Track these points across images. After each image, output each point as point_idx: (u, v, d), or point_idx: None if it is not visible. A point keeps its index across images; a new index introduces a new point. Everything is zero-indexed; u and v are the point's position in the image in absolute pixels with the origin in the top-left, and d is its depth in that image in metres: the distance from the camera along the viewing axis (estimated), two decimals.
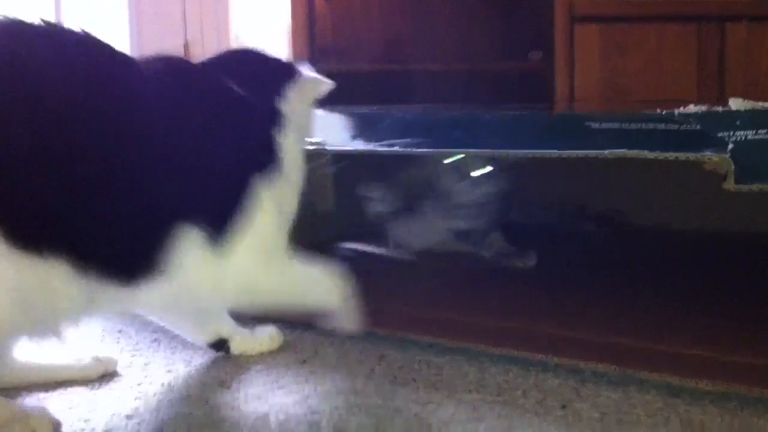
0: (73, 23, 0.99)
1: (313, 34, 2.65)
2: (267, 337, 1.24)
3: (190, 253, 0.98)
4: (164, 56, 1.08)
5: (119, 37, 2.72)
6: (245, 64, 1.19)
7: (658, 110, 1.12)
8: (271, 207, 1.08)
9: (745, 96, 2.29)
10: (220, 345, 1.20)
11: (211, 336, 1.20)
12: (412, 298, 1.47)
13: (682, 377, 1.04)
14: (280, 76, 1.19)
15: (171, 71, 1.07)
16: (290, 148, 1.14)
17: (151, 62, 1.05)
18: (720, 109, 1.10)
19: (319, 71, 2.55)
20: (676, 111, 1.10)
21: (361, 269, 1.70)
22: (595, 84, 2.53)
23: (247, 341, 1.21)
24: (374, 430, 0.94)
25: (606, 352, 1.15)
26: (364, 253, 1.90)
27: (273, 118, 1.13)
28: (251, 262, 1.05)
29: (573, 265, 1.74)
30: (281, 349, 1.24)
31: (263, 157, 1.09)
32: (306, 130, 1.24)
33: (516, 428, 0.94)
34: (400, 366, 1.15)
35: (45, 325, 0.93)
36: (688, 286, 1.55)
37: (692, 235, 1.96)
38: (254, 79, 1.14)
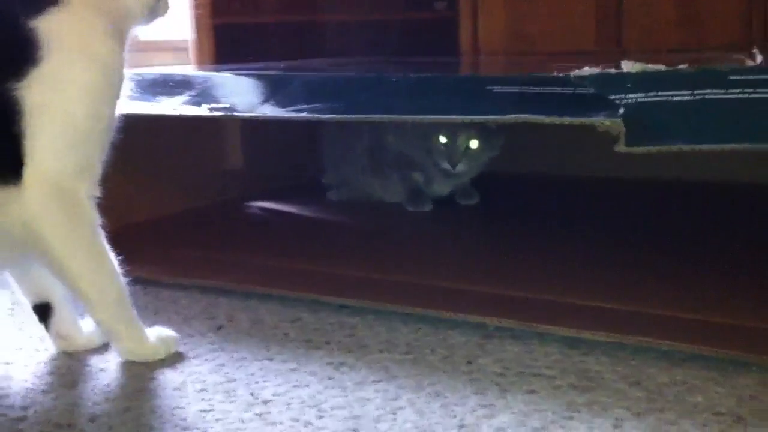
0: None
1: None
2: (162, 343, 1.12)
3: None
4: None
5: None
6: None
7: (555, 72, 1.16)
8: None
9: (641, 40, 2.39)
10: (43, 310, 1.14)
11: (34, 298, 1.15)
12: (320, 257, 1.51)
13: (579, 329, 1.10)
14: None
15: None
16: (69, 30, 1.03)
17: None
18: (613, 71, 1.15)
19: (223, 23, 2.52)
20: (572, 74, 1.14)
21: (269, 228, 1.74)
22: (499, 32, 2.58)
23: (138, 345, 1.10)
24: (289, 395, 0.97)
25: (507, 307, 1.20)
26: (275, 212, 1.93)
27: (33, 3, 1.02)
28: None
29: (474, 218, 1.81)
30: (197, 314, 1.26)
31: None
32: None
33: (425, 386, 0.99)
34: (314, 329, 1.19)
35: None
36: (584, 236, 1.63)
37: (583, 182, 2.04)
38: None
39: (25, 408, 0.96)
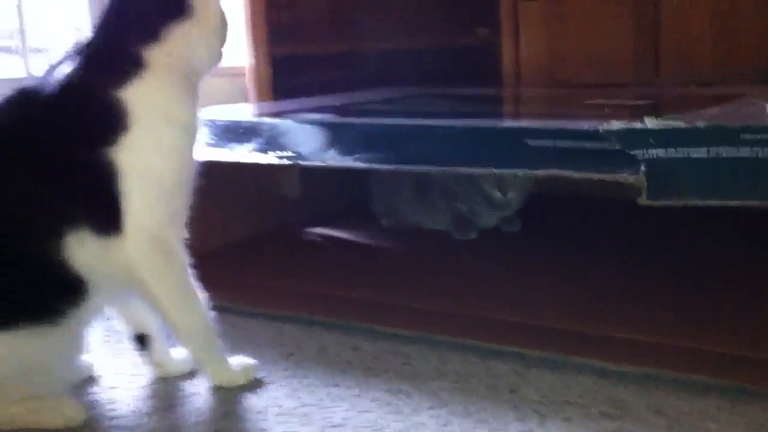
0: None
1: (272, 18, 2.75)
2: (243, 370, 1.27)
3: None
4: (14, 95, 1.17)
5: None
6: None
7: (586, 126, 1.29)
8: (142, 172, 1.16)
9: (677, 58, 2.49)
10: (141, 340, 1.30)
11: (134, 329, 1.30)
12: (374, 286, 1.66)
13: (609, 361, 1.25)
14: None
15: (14, 110, 1.16)
16: (151, 98, 1.18)
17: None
18: (638, 125, 1.28)
19: (280, 53, 2.67)
20: (601, 128, 1.28)
21: (326, 255, 1.89)
22: (540, 58, 2.71)
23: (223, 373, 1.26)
24: (355, 420, 1.13)
25: (546, 338, 1.34)
26: (331, 239, 2.09)
27: (119, 75, 1.17)
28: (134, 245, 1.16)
29: (517, 245, 1.95)
30: (268, 341, 1.42)
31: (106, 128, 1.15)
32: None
33: (472, 412, 1.14)
34: (373, 357, 1.34)
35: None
36: (621, 262, 1.77)
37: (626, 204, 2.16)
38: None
39: (132, 428, 1.14)
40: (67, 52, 1.21)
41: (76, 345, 1.20)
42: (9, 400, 1.12)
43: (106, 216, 1.16)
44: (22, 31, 2.17)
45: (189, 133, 1.23)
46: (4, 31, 2.33)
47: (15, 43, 2.20)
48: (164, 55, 1.19)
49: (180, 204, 1.22)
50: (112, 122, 1.15)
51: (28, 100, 1.16)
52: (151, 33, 1.19)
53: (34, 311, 1.11)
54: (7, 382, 1.11)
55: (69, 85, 1.15)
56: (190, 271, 1.23)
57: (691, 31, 2.50)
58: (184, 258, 1.22)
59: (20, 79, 2.11)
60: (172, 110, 1.20)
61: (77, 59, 1.18)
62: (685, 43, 2.51)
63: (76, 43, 1.21)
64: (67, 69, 1.17)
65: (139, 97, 1.16)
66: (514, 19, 2.73)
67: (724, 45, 2.45)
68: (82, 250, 1.12)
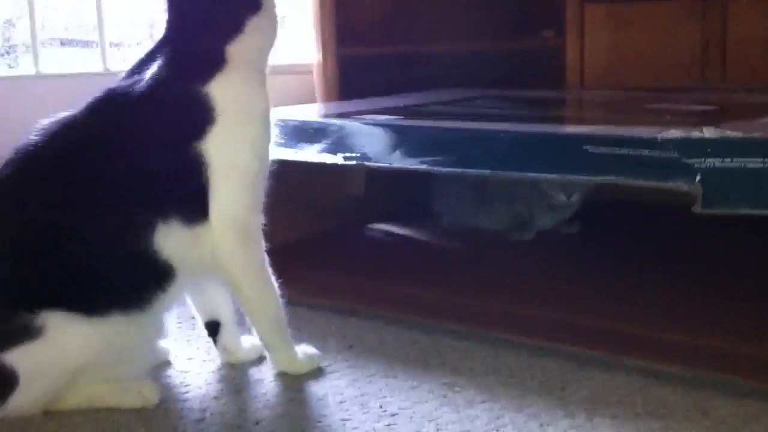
0: None
1: (340, 18, 2.83)
2: (308, 359, 1.35)
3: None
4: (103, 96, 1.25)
5: None
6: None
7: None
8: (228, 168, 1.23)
9: (743, 63, 2.48)
10: (213, 327, 1.38)
11: (206, 316, 1.39)
12: (433, 284, 1.72)
13: (658, 362, 1.28)
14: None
15: (103, 109, 1.23)
16: (234, 91, 1.25)
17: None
18: (696, 135, 1.31)
19: (343, 54, 2.73)
20: (659, 137, 1.31)
21: (388, 251, 1.95)
22: (604, 60, 2.73)
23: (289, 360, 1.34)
24: (411, 410, 1.19)
25: (597, 338, 1.39)
26: (394, 236, 2.15)
27: (203, 71, 1.24)
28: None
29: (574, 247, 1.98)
30: (331, 333, 1.50)
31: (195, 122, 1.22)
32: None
33: (524, 407, 1.19)
34: (430, 351, 1.40)
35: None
36: (675, 265, 1.79)
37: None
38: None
39: (203, 411, 1.22)
40: (149, 49, 1.29)
41: (158, 331, 1.29)
42: (93, 381, 1.21)
43: (194, 206, 1.23)
44: (100, 26, 2.27)
45: (267, 124, 1.30)
46: (83, 25, 2.44)
47: (94, 37, 2.31)
48: (243, 48, 1.26)
49: (260, 191, 1.29)
50: (199, 117, 1.22)
51: (118, 100, 1.23)
52: (234, 27, 1.26)
53: (126, 299, 1.20)
54: (97, 365, 1.19)
55: (156, 84, 1.22)
56: (267, 258, 1.30)
57: (758, 36, 2.50)
58: (263, 242, 1.29)
59: (98, 74, 2.24)
60: (253, 102, 1.27)
61: (161, 56, 1.25)
62: (751, 49, 2.50)
63: (158, 40, 1.29)
64: (152, 67, 1.24)
65: (223, 91, 1.23)
66: (580, 22, 2.75)
67: None
68: (172, 239, 1.20)
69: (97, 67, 2.27)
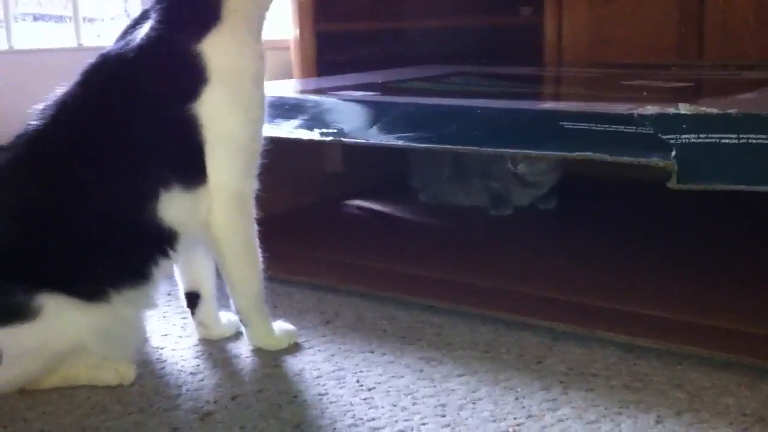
0: None
1: None
2: (285, 335, 1.34)
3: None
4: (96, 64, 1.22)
5: None
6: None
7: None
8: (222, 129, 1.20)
9: (721, 41, 2.49)
10: (193, 298, 1.36)
11: (188, 286, 1.36)
12: (411, 259, 1.72)
13: (634, 336, 1.29)
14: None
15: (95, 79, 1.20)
16: (227, 49, 1.20)
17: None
18: (671, 111, 1.31)
19: (324, 29, 2.71)
20: (635, 113, 1.32)
21: (366, 228, 1.95)
22: (582, 38, 2.73)
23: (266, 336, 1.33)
24: (388, 384, 1.20)
25: (574, 313, 1.40)
26: (371, 212, 2.15)
27: (196, 28, 1.19)
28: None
29: (550, 222, 1.99)
30: (309, 308, 1.49)
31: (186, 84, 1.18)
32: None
33: (500, 380, 1.20)
34: (407, 326, 1.41)
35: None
36: (651, 241, 1.81)
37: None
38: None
39: (179, 387, 1.21)
40: (143, 9, 1.25)
41: (150, 307, 1.27)
42: (81, 361, 1.19)
43: (193, 170, 1.21)
44: (74, 1, 2.24)
45: (261, 85, 1.27)
46: (57, 0, 2.41)
47: (67, 12, 2.28)
48: (241, 1, 1.21)
49: (256, 155, 1.27)
50: (193, 77, 1.18)
51: (110, 66, 1.20)
52: None
53: (129, 273, 1.19)
54: (87, 349, 1.18)
55: (149, 44, 1.18)
56: (256, 227, 1.29)
57: (735, 14, 2.51)
58: (253, 210, 1.28)
59: (72, 49, 2.21)
60: (246, 63, 1.23)
61: (154, 14, 1.21)
62: (728, 26, 2.52)
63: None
64: (144, 26, 1.20)
65: (217, 49, 1.19)
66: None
67: (767, 28, 2.45)
68: (174, 204, 1.19)
69: (70, 42, 2.24)
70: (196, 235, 1.25)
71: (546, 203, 2.11)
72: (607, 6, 2.71)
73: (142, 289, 1.21)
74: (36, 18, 2.46)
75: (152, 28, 1.19)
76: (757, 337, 1.30)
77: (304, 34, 2.68)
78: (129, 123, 1.18)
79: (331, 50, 2.71)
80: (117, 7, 2.55)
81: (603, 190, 2.27)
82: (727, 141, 1.23)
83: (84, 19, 2.31)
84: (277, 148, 1.44)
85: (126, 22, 1.27)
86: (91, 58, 1.23)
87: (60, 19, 2.41)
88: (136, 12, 2.32)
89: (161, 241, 1.20)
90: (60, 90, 1.22)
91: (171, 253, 1.21)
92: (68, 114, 1.19)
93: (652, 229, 1.94)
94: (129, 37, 1.21)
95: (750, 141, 1.22)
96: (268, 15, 1.29)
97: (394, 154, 2.24)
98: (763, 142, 1.21)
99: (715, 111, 1.28)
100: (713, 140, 1.24)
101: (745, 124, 1.23)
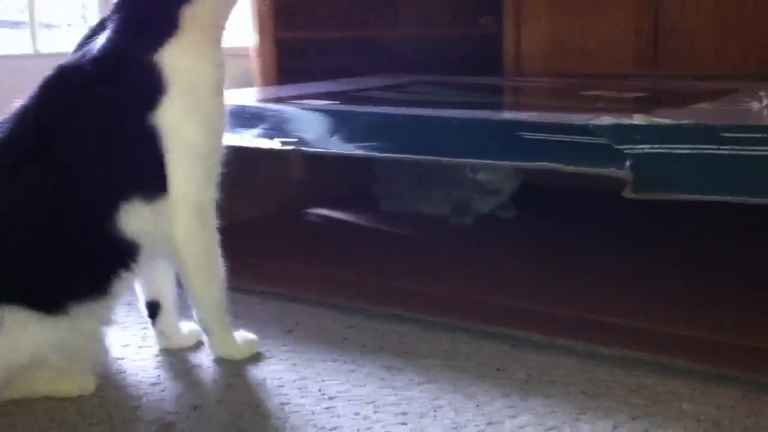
0: None
1: (279, 1, 2.80)
2: (246, 344, 1.34)
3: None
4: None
5: None
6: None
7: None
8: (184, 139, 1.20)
9: (676, 51, 2.53)
10: (153, 308, 1.36)
11: (148, 296, 1.36)
12: (372, 268, 1.73)
13: (592, 343, 1.32)
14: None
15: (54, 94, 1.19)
16: (184, 59, 1.20)
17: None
18: (626, 122, 1.34)
19: (286, 37, 2.70)
20: (591, 123, 1.34)
21: (327, 237, 1.96)
22: (541, 47, 2.76)
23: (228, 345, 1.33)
24: (350, 393, 1.20)
25: (533, 321, 1.42)
26: (332, 221, 2.16)
27: (153, 38, 1.19)
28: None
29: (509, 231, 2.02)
30: (269, 318, 1.49)
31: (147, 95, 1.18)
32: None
33: (461, 388, 1.21)
34: (368, 335, 1.41)
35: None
36: (609, 250, 1.84)
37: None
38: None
39: (139, 398, 1.21)
40: (101, 18, 1.24)
41: (108, 322, 1.26)
42: (40, 372, 1.18)
43: (153, 181, 1.20)
44: (30, 6, 2.22)
45: (219, 95, 1.26)
46: (13, 5, 2.38)
47: (24, 17, 2.25)
48: (200, 10, 1.20)
49: (215, 164, 1.26)
50: (149, 88, 1.18)
51: (68, 77, 1.19)
52: None
53: (90, 284, 1.18)
54: (46, 363, 1.16)
55: (106, 55, 1.17)
56: (218, 237, 1.28)
57: (692, 25, 2.55)
58: (215, 220, 1.27)
59: (28, 55, 2.19)
60: (204, 72, 1.22)
61: (111, 24, 1.20)
62: (685, 37, 2.56)
63: (111, 7, 1.23)
64: (102, 36, 1.19)
65: (174, 59, 1.19)
66: (517, 9, 2.78)
67: (723, 39, 2.50)
68: (135, 216, 1.18)
69: (27, 48, 2.21)
70: (158, 246, 1.24)
71: (505, 211, 2.14)
72: (566, 16, 2.75)
73: (103, 302, 1.20)
74: None
75: (109, 39, 1.19)
76: (713, 343, 1.33)
77: (265, 41, 2.67)
78: (88, 135, 1.18)
79: (292, 58, 2.71)
80: (74, 13, 2.53)
81: (561, 198, 2.30)
82: (680, 151, 1.26)
83: (40, 24, 2.28)
84: (238, 156, 1.45)
85: (83, 29, 1.26)
86: (48, 65, 1.22)
87: (16, 25, 2.38)
88: (93, 18, 2.33)
89: (122, 254, 1.19)
90: (17, 102, 1.20)
91: (132, 265, 1.21)
92: (27, 126, 1.17)
93: (610, 237, 1.97)
94: (86, 48, 1.20)
95: (702, 151, 1.25)
96: (228, 24, 1.29)
97: (356, 162, 2.25)
98: (714, 152, 1.23)
99: (668, 122, 1.31)
100: (667, 150, 1.27)
101: (698, 135, 1.26)
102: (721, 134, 1.23)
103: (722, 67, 2.47)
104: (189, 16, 1.20)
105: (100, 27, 1.23)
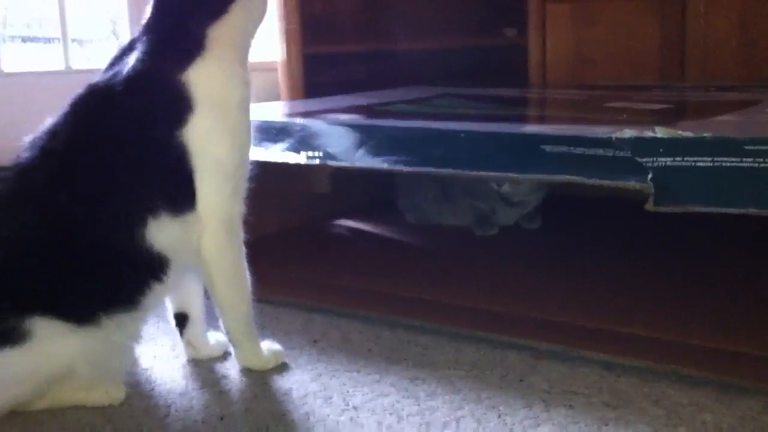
0: None
1: (305, 15, 2.84)
2: (272, 355, 1.37)
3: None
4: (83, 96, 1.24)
5: None
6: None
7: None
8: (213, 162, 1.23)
9: (702, 62, 2.53)
10: (181, 319, 1.39)
11: (177, 307, 1.39)
12: (397, 280, 1.75)
13: (614, 355, 1.32)
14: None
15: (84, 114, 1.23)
16: (212, 77, 1.23)
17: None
18: (648, 134, 1.35)
19: (312, 52, 2.74)
20: (613, 136, 1.35)
21: (353, 248, 1.98)
22: (566, 59, 2.77)
23: (255, 356, 1.35)
24: (374, 403, 1.22)
25: (556, 332, 1.43)
26: (358, 233, 2.18)
27: (181, 58, 1.22)
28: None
29: (534, 242, 2.02)
30: (296, 329, 1.52)
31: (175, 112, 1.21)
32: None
33: (483, 399, 1.22)
34: (392, 346, 1.43)
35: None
36: (634, 261, 1.84)
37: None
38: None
39: (167, 407, 1.23)
40: (130, 38, 1.28)
41: (138, 335, 1.28)
42: (71, 383, 1.21)
43: (182, 196, 1.23)
44: (62, 22, 2.26)
45: (246, 112, 1.29)
46: (45, 22, 2.43)
47: (56, 34, 2.30)
48: (226, 30, 1.24)
49: (242, 180, 1.30)
50: (178, 106, 1.21)
51: (98, 96, 1.23)
52: (217, 7, 1.24)
53: (120, 297, 1.21)
54: (77, 373, 1.19)
55: (135, 75, 1.21)
56: (244, 251, 1.31)
57: (716, 35, 2.55)
58: (242, 232, 1.30)
59: (61, 71, 2.23)
60: (231, 90, 1.25)
61: (140, 45, 1.24)
62: (710, 47, 2.56)
63: (139, 29, 1.27)
64: (132, 57, 1.23)
65: (201, 78, 1.22)
66: (542, 20, 2.79)
67: (748, 49, 2.50)
68: (163, 231, 1.21)
69: (59, 64, 2.26)
70: (186, 260, 1.27)
71: (531, 223, 2.15)
72: (590, 27, 2.76)
73: (134, 314, 1.23)
74: (24, 40, 2.48)
75: (138, 60, 1.22)
76: (736, 355, 1.33)
77: (292, 56, 2.70)
78: (118, 153, 1.21)
79: (318, 72, 2.75)
80: (105, 29, 2.58)
81: (588, 209, 2.31)
82: (701, 164, 1.27)
83: (73, 40, 2.33)
84: (264, 170, 1.48)
85: (114, 44, 1.29)
86: (79, 81, 1.26)
87: (48, 41, 2.44)
88: (124, 33, 2.37)
89: (152, 267, 1.22)
90: (49, 120, 1.24)
91: (163, 278, 1.23)
92: (58, 144, 1.21)
93: (635, 249, 1.97)
94: (117, 68, 1.24)
95: (723, 164, 1.25)
96: (253, 42, 1.33)
97: (380, 174, 2.27)
98: (735, 164, 1.24)
99: (690, 134, 1.31)
100: (688, 163, 1.27)
101: (719, 148, 1.26)
102: (745, 147, 1.24)
103: (748, 78, 2.47)
104: (215, 35, 1.24)
105: (129, 48, 1.26)
